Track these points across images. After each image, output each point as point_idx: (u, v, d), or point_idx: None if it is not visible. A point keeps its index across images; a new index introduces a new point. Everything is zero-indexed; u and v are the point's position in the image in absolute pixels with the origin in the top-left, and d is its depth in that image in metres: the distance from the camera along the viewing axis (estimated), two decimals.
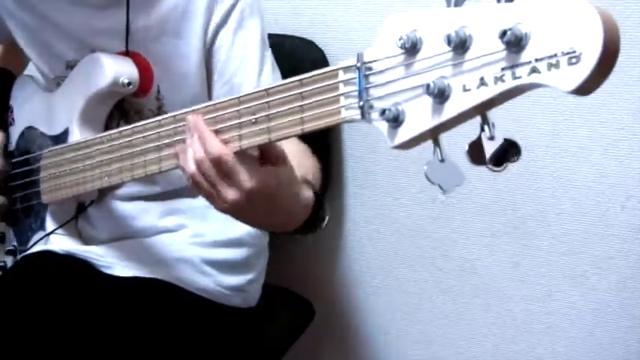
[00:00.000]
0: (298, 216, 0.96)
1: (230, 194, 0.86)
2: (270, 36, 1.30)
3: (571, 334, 1.45)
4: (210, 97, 1.21)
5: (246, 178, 0.85)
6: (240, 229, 1.34)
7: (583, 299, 1.42)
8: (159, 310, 1.22)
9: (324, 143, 1.55)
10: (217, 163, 0.86)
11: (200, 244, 1.28)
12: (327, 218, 1.00)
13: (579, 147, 1.36)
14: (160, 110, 1.21)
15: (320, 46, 1.53)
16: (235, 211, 0.89)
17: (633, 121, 1.31)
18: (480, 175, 1.42)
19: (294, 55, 1.49)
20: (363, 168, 1.57)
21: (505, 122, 1.33)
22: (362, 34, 1.48)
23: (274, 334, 1.46)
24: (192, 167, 0.88)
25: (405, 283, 1.60)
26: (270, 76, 1.22)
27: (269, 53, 1.24)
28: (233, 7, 1.18)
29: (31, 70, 1.42)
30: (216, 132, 0.88)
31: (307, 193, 0.96)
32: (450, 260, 1.54)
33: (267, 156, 0.89)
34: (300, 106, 0.78)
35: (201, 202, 1.13)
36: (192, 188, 0.91)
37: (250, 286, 1.35)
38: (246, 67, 1.19)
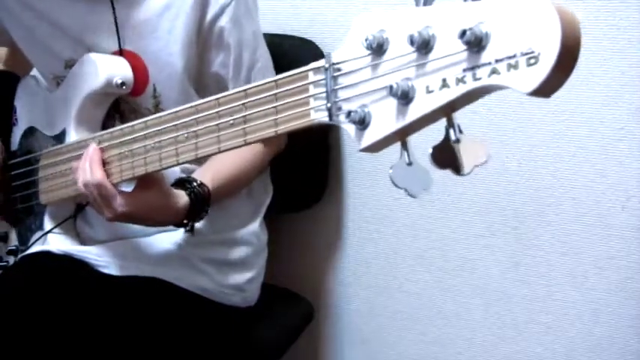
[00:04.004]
0: (173, 219, 1.14)
1: (107, 214, 1.07)
2: (271, 36, 1.30)
3: (570, 334, 1.44)
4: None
5: (119, 203, 1.05)
6: (240, 229, 1.34)
7: (583, 299, 1.41)
8: (158, 309, 1.22)
9: (324, 143, 1.55)
10: (99, 187, 1.05)
11: (199, 243, 1.27)
12: (195, 222, 1.18)
13: (579, 147, 1.35)
14: (157, 108, 1.21)
15: (320, 46, 1.52)
16: (114, 221, 1.09)
17: (633, 121, 1.30)
18: (480, 176, 1.42)
19: (294, 55, 1.49)
20: (363, 168, 1.57)
21: (505, 122, 1.34)
22: None
23: (274, 333, 1.46)
24: (80, 186, 1.08)
25: (405, 283, 1.59)
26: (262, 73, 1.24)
27: (262, 43, 1.26)
28: (229, 2, 1.18)
29: (36, 71, 1.43)
30: (196, 135, 0.88)
31: (181, 203, 1.12)
32: (449, 260, 1.53)
33: (144, 180, 1.06)
34: (275, 107, 0.77)
35: None
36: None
37: (249, 285, 1.35)
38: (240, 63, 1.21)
